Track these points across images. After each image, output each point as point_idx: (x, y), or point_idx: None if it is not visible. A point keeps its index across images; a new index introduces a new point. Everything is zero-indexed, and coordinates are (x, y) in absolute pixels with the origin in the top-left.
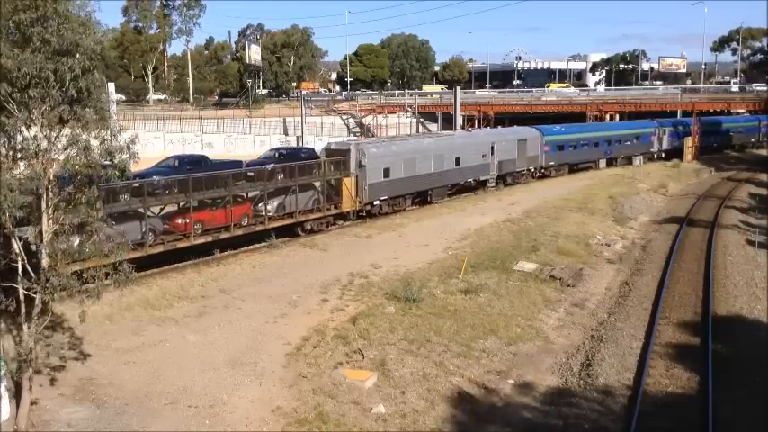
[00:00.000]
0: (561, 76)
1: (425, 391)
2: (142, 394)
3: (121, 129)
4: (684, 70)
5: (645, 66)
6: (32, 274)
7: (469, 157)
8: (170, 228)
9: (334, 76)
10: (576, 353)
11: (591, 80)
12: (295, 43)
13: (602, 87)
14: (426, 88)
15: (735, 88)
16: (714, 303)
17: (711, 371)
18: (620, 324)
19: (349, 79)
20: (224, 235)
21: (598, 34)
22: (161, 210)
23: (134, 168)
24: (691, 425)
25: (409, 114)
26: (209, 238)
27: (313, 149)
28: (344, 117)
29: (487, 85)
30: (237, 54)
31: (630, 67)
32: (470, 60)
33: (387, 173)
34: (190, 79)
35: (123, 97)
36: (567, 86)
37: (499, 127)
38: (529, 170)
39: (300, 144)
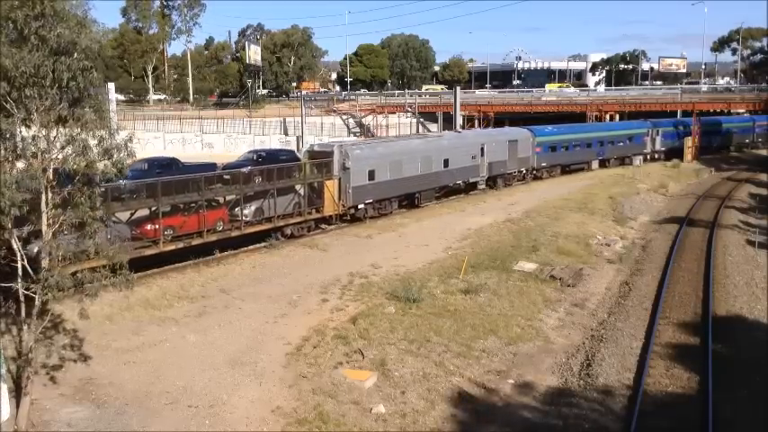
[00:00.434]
0: (561, 76)
1: (425, 391)
2: (142, 394)
3: (119, 128)
4: (684, 70)
5: (645, 66)
6: (32, 274)
7: (458, 159)
8: (138, 234)
9: (334, 76)
10: (575, 353)
11: (591, 80)
12: (295, 43)
13: (602, 87)
14: (426, 88)
15: (704, 88)
16: (714, 303)
17: (711, 371)
18: (620, 324)
19: (349, 79)
20: (196, 241)
21: (598, 34)
22: (131, 215)
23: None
24: (691, 425)
25: (409, 114)
26: (181, 245)
27: (293, 151)
28: (344, 117)
29: (487, 86)
30: (237, 54)
31: (630, 67)
32: (470, 60)
33: (372, 175)
34: (190, 79)
35: (122, 97)
36: (568, 86)
37: (489, 128)
38: (520, 171)
39: (300, 144)
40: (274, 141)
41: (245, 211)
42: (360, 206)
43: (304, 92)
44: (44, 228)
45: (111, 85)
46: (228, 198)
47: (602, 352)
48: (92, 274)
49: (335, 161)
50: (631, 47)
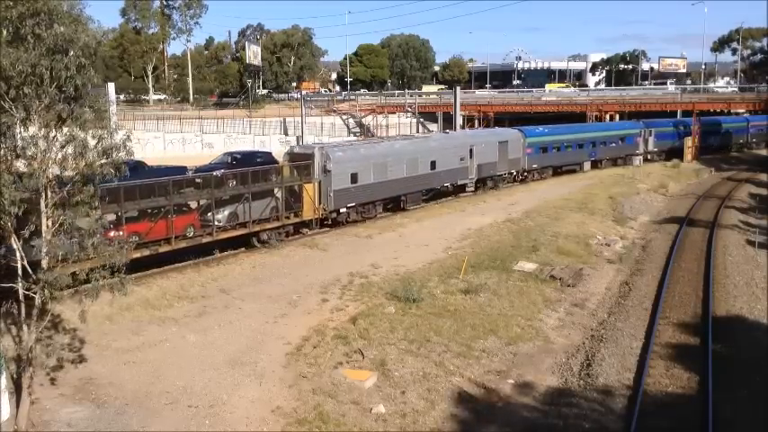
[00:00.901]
0: (561, 76)
1: (425, 390)
2: (142, 394)
3: (117, 127)
4: (684, 70)
5: (645, 66)
6: (32, 274)
7: (446, 161)
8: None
9: (334, 76)
10: (576, 353)
11: (591, 80)
12: (295, 43)
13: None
14: (425, 88)
15: (687, 88)
16: (714, 303)
17: (711, 371)
18: (620, 324)
19: (349, 79)
20: (164, 248)
21: (598, 34)
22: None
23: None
24: (691, 425)
25: (409, 114)
26: (147, 252)
27: (270, 153)
28: (344, 117)
29: (487, 86)
30: (237, 54)
31: (630, 67)
32: (470, 60)
33: (354, 178)
34: (190, 79)
35: (122, 97)
36: (568, 86)
37: (479, 128)
38: (511, 173)
39: (300, 144)
40: (274, 141)
41: (218, 216)
42: (342, 210)
43: (304, 92)
44: (44, 228)
45: (111, 85)
46: (201, 203)
47: (602, 352)
48: (91, 275)
49: (316, 163)
50: (631, 47)
